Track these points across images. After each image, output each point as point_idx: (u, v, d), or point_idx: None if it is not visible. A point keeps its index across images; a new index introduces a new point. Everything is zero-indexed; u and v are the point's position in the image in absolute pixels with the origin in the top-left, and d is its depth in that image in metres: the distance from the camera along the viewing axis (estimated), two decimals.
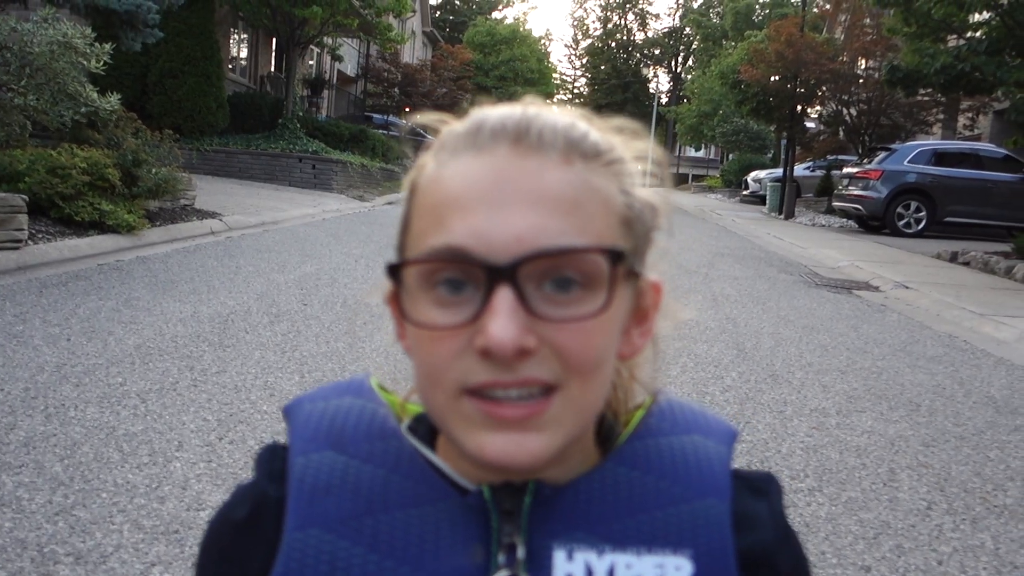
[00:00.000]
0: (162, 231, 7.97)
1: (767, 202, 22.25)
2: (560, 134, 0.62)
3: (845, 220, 18.12)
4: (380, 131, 23.28)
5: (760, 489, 0.70)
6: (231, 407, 3.19)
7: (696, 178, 58.64)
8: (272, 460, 0.70)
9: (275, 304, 5.20)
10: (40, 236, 6.58)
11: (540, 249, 0.58)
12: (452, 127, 0.65)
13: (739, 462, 2.86)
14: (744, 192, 27.94)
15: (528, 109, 0.64)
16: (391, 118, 27.18)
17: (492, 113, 0.63)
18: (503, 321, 0.57)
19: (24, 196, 6.26)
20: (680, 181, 58.61)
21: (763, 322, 5.98)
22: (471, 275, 0.59)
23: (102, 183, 7.34)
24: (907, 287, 8.79)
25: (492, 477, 0.63)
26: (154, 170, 8.16)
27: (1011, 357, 5.53)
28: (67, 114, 7.63)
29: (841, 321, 6.36)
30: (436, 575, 0.61)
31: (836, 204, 17.80)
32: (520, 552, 0.61)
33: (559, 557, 0.62)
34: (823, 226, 18.05)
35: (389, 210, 14.12)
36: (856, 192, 16.35)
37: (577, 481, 0.64)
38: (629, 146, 0.67)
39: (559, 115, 0.64)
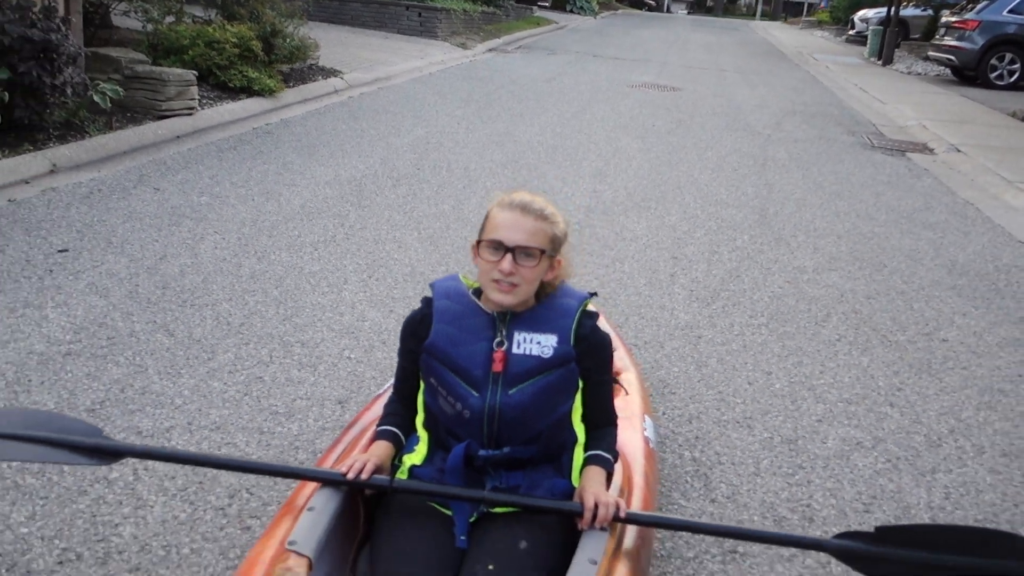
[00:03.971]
0: (295, 92, 9.40)
1: (867, 45, 22.09)
2: (536, 210, 1.99)
3: (943, 68, 18.15)
4: None
5: (590, 316, 2.09)
6: (373, 255, 4.69)
7: (810, 8, 56.00)
8: (427, 302, 2.12)
9: (395, 168, 6.64)
10: (204, 102, 8.10)
11: (521, 245, 1.96)
12: (501, 201, 2.01)
13: (712, 308, 4.20)
14: (850, 32, 27.40)
15: (527, 197, 2.00)
16: None
17: (515, 198, 2.00)
18: (506, 263, 1.96)
19: (194, 72, 7.75)
20: (794, 11, 56.13)
21: (796, 189, 7.11)
22: (500, 248, 1.97)
23: (248, 54, 8.76)
24: (959, 150, 9.58)
25: (498, 308, 2.03)
26: (288, 39, 9.53)
27: (1008, 225, 6.55)
28: None
29: (870, 188, 7.40)
30: (478, 340, 2.02)
31: (931, 54, 17.81)
32: (504, 334, 2.03)
33: (517, 336, 2.03)
34: (918, 75, 18.15)
35: (489, 60, 15.17)
36: (951, 43, 16.42)
37: (524, 312, 2.05)
38: (560, 215, 2.03)
39: (540, 201, 2.00)
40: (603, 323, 3.00)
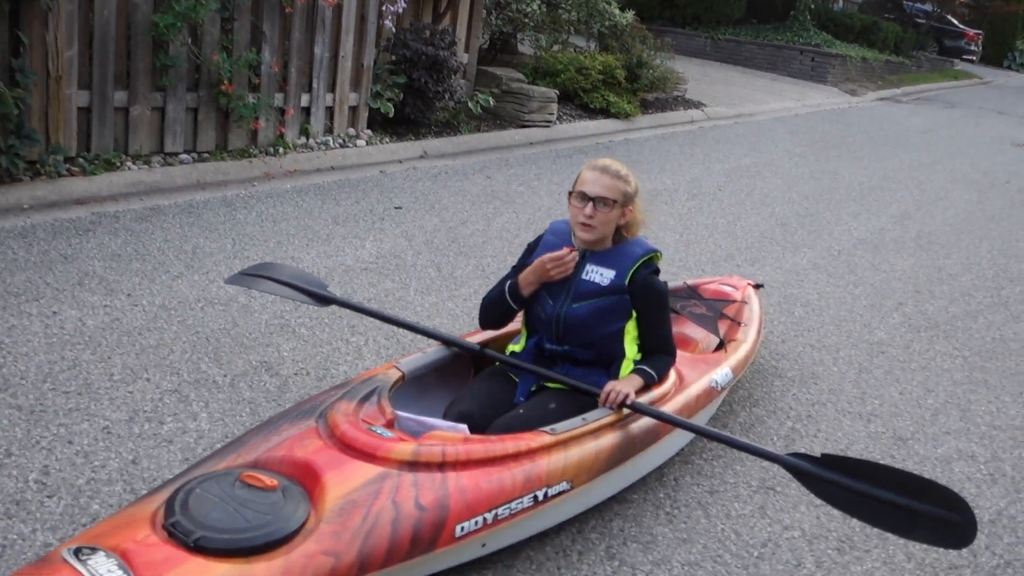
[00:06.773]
0: (651, 118, 10.41)
1: None
2: (613, 171, 2.75)
3: None
4: (904, 20, 23.03)
5: (649, 265, 2.77)
6: None
7: None
8: (539, 235, 2.93)
9: (698, 186, 7.33)
10: (564, 118, 9.43)
11: (600, 196, 2.72)
12: (590, 164, 2.79)
13: (918, 335, 4.42)
14: None
15: (608, 161, 2.76)
16: (926, 6, 26.22)
17: (599, 162, 2.77)
18: (589, 209, 2.73)
19: (556, 90, 9.10)
20: None
21: None
22: (585, 198, 2.74)
23: (611, 80, 9.95)
24: None
25: (582, 244, 2.80)
26: (653, 70, 10.58)
27: None
28: (596, 26, 10.34)
29: None
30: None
31: None
32: (580, 258, 2.79)
33: (588, 266, 2.78)
34: None
35: (871, 108, 14.95)
36: None
37: (601, 251, 2.79)
38: (633, 177, 2.76)
39: (617, 165, 2.76)
40: (753, 303, 3.66)
